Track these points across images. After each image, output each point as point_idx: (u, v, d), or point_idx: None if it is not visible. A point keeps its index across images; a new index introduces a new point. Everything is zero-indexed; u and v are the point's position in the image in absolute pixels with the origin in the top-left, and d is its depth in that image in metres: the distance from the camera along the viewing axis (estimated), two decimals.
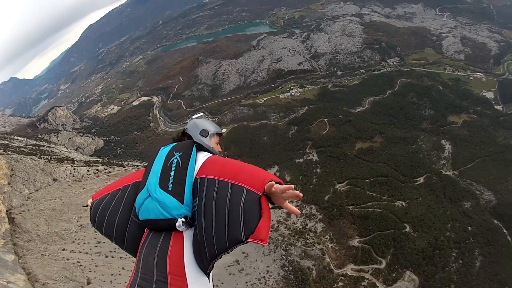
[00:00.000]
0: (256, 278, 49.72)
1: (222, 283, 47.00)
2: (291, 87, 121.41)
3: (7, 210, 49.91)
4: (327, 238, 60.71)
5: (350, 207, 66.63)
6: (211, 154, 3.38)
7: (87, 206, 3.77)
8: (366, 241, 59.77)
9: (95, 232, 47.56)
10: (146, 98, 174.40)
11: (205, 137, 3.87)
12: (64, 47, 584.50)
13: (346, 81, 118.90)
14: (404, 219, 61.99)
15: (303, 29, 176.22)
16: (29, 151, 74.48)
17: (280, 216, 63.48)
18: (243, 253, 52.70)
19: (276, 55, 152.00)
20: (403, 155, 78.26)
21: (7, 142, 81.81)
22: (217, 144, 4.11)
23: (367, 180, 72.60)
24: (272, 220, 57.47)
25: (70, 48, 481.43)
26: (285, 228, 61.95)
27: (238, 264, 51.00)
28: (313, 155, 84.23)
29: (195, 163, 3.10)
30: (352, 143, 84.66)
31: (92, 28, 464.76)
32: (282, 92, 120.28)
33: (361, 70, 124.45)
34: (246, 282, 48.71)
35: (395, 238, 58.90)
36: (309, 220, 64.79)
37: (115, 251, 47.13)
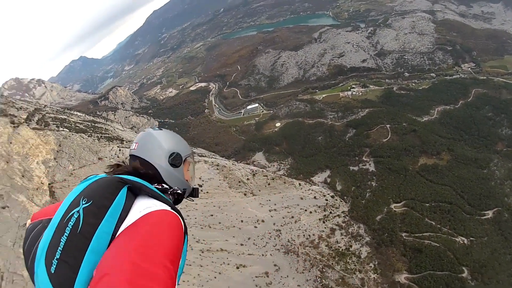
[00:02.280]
0: None
1: None
2: (353, 86, 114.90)
3: (49, 184, 52.61)
4: (370, 266, 52.77)
5: (403, 234, 58.11)
6: (161, 206, 1.90)
7: (25, 226, 2.45)
8: (415, 280, 51.11)
9: None
10: (203, 84, 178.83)
11: (178, 167, 2.45)
12: (130, 30, 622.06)
13: (413, 84, 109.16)
14: (464, 261, 52.55)
15: (368, 23, 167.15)
16: (84, 127, 78.04)
17: (323, 231, 57.02)
18: (274, 265, 49.19)
19: (339, 49, 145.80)
20: (472, 180, 67.60)
21: (65, 117, 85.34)
22: (189, 170, 2.66)
23: (427, 204, 63.26)
24: (314, 235, 55.48)
25: (135, 32, 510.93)
26: (326, 246, 54.79)
27: (267, 276, 47.42)
28: (370, 164, 76.69)
29: (119, 223, 1.79)
30: (415, 157, 75.47)
31: (156, 14, 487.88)
32: (342, 90, 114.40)
33: (431, 74, 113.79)
34: None
35: (449, 283, 49.91)
36: (355, 241, 57.09)
37: None
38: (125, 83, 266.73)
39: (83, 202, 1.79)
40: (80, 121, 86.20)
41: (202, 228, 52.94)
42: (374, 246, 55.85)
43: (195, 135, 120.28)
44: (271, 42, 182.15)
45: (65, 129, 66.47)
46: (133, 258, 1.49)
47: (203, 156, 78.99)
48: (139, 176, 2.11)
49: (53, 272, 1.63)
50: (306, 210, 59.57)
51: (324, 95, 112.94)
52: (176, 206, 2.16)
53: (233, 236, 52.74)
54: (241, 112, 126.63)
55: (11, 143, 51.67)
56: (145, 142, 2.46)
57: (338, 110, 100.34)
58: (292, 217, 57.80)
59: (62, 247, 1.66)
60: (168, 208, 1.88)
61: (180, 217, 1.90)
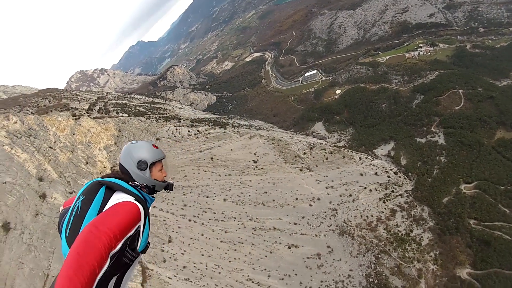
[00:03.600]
0: (333, 280, 43.07)
1: (296, 274, 43.22)
2: (420, 45, 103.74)
3: (111, 167, 56.05)
4: (431, 256, 46.85)
5: (472, 222, 50.02)
6: (126, 198, 2.73)
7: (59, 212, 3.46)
8: (478, 277, 43.57)
9: (184, 195, 52.00)
10: (258, 54, 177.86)
11: (144, 169, 3.15)
12: (181, 9, 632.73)
13: (490, 41, 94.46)
14: None
15: None
16: (143, 109, 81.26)
17: (383, 212, 51.86)
18: (328, 247, 46.89)
19: (402, 4, 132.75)
20: None
21: (126, 102, 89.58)
22: (161, 171, 3.33)
23: (502, 188, 53.31)
24: (372, 216, 50.70)
25: (187, 10, 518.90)
26: (384, 229, 49.89)
27: (319, 258, 45.54)
28: (439, 136, 67.42)
29: (101, 209, 2.67)
30: (491, 130, 64.32)
31: None
32: (408, 50, 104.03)
33: (510, 29, 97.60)
34: (321, 281, 42.85)
35: None
36: (416, 225, 50.95)
37: (198, 217, 49.30)
38: (182, 61, 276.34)
39: (81, 197, 2.75)
40: (140, 104, 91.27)
41: (255, 205, 52.18)
42: (437, 233, 49.51)
43: (253, 107, 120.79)
44: (326, 3, 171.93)
45: (124, 114, 70.59)
46: (94, 221, 2.26)
47: (260, 129, 78.03)
48: (120, 178, 3.01)
49: (67, 235, 2.56)
50: (365, 188, 54.48)
51: (387, 57, 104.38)
52: (153, 195, 3.24)
53: (287, 215, 50.79)
54: (299, 80, 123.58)
55: (73, 134, 56.47)
56: (124, 153, 3.22)
57: (404, 73, 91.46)
58: (350, 195, 53.38)
59: (71, 222, 2.62)
60: (131, 199, 2.73)
61: (140, 206, 2.66)
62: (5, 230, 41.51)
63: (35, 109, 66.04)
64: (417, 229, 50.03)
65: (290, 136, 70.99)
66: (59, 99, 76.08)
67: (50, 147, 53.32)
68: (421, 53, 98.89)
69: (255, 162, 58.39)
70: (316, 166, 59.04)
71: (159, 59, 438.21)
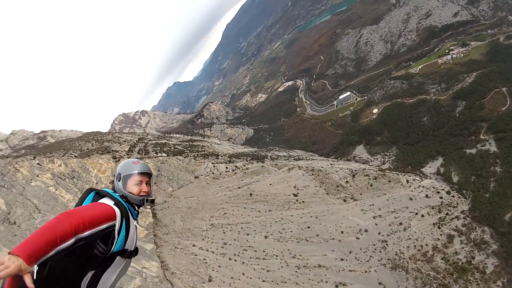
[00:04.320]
0: None
1: None
2: (450, 47, 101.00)
3: (151, 206, 57.57)
4: (498, 286, 41.60)
5: None
6: (105, 201, 3.12)
7: None
8: None
9: (224, 233, 51.87)
10: (290, 83, 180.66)
11: (119, 180, 3.49)
12: (211, 48, 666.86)
13: None
14: None
15: None
16: (182, 148, 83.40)
17: (438, 240, 47.82)
18: (379, 283, 44.08)
19: (423, 9, 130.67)
20: None
21: (165, 141, 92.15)
22: (137, 184, 3.49)
23: None
24: (426, 245, 46.65)
25: (216, 48, 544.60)
26: (442, 259, 45.55)
27: None
28: (490, 143, 62.31)
29: None
30: None
31: (230, 26, 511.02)
32: (439, 55, 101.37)
33: None
34: None
35: None
36: (478, 250, 45.67)
37: (238, 255, 48.58)
38: (217, 98, 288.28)
39: (81, 200, 3.17)
40: (179, 142, 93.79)
41: (298, 242, 50.10)
42: (503, 257, 44.09)
43: (291, 137, 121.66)
44: (348, 22, 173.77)
45: (163, 154, 73.33)
46: (70, 210, 2.61)
47: (299, 160, 77.24)
48: (113, 188, 3.55)
49: None
50: (417, 214, 50.83)
51: (420, 67, 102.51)
52: (136, 209, 3.49)
53: (332, 250, 48.15)
54: (334, 104, 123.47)
55: (114, 175, 60.12)
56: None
57: (440, 80, 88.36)
58: (400, 223, 49.95)
59: None
60: (109, 202, 3.09)
61: (116, 209, 3.02)
62: None
63: (78, 152, 70.63)
64: (480, 254, 45.72)
65: (330, 165, 69.88)
66: (101, 142, 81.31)
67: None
68: (454, 56, 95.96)
69: (295, 195, 57.24)
70: (361, 194, 56.39)
71: (195, 98, 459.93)
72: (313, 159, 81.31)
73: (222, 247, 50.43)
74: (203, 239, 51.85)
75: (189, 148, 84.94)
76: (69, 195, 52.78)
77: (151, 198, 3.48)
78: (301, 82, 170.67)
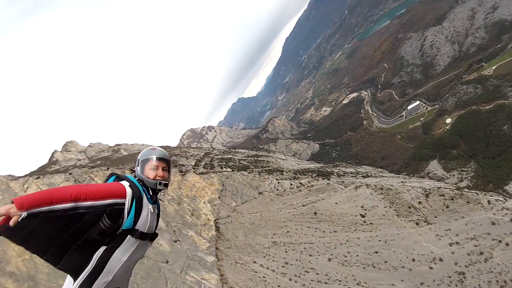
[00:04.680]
0: None
1: None
2: None
3: (215, 220, 58.68)
4: None
5: None
6: (122, 183, 3.21)
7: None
8: None
9: (286, 252, 50.96)
10: (354, 94, 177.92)
11: (138, 166, 3.58)
12: (273, 63, 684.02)
13: None
14: None
15: None
16: (247, 163, 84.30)
17: None
18: None
19: (488, 2, 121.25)
20: None
21: (231, 156, 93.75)
22: (152, 169, 3.53)
23: None
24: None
25: (278, 63, 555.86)
26: None
27: None
28: None
29: None
30: None
31: (289, 40, 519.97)
32: None
33: None
34: None
35: None
36: None
37: (299, 276, 46.87)
38: (281, 112, 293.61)
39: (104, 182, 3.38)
40: (244, 158, 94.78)
41: (364, 268, 46.77)
42: None
43: (358, 152, 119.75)
44: (410, 25, 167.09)
45: (228, 169, 74.64)
46: (84, 184, 3.37)
47: (367, 177, 74.17)
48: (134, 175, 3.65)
49: None
50: (500, 242, 44.11)
51: (494, 67, 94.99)
52: (152, 195, 3.46)
53: (402, 280, 43.87)
54: (403, 115, 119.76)
55: (180, 188, 61.64)
56: None
57: None
58: (481, 252, 43.82)
59: None
60: (125, 184, 3.19)
61: (128, 188, 3.13)
62: None
63: None
64: None
65: (401, 182, 66.44)
66: (169, 155, 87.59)
67: (159, 199, 62.57)
68: None
69: (362, 216, 54.20)
70: (435, 217, 51.28)
71: (260, 113, 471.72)
72: (382, 176, 78.44)
73: (283, 267, 49.27)
74: (264, 256, 51.18)
75: (254, 164, 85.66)
76: None
77: (164, 182, 3.49)
78: (366, 93, 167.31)
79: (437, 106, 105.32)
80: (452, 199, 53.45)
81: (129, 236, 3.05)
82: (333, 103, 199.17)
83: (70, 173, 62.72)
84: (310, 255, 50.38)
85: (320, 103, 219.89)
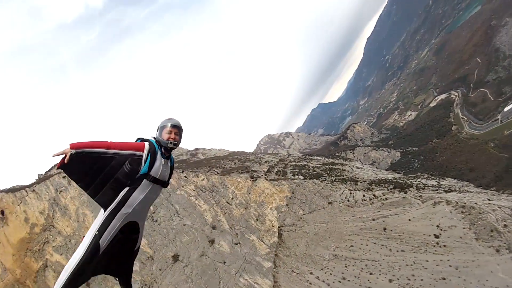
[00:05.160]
0: None
1: None
2: None
3: (279, 227, 57.86)
4: None
5: None
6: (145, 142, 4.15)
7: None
8: None
9: (345, 267, 47.85)
10: (443, 96, 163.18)
11: (157, 131, 4.37)
12: (354, 66, 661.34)
13: None
14: None
15: None
16: (320, 171, 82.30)
17: None
18: None
19: None
20: None
21: (305, 163, 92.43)
22: (167, 133, 4.29)
23: None
24: None
25: (359, 65, 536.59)
26: None
27: None
28: None
29: None
30: None
31: (370, 40, 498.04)
32: None
33: None
34: None
35: None
36: None
37: None
38: (363, 118, 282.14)
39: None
40: (319, 165, 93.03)
41: None
42: None
43: (443, 162, 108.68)
44: (505, 8, 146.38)
45: (300, 177, 74.57)
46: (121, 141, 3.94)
47: (450, 191, 66.77)
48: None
49: None
50: None
51: None
52: (166, 154, 4.24)
53: None
54: (498, 119, 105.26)
55: (249, 193, 62.68)
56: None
57: None
58: None
59: None
60: (146, 143, 4.07)
61: (146, 144, 4.04)
62: (174, 260, 52.35)
63: (221, 169, 76.56)
64: None
65: (487, 200, 57.89)
66: (243, 161, 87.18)
67: (227, 203, 60.88)
68: None
69: (436, 237, 48.79)
70: None
71: (340, 118, 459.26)
72: (467, 191, 69.03)
73: (340, 282, 46.94)
74: (322, 269, 49.53)
75: (328, 172, 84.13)
76: (206, 205, 59.00)
77: (174, 142, 4.26)
78: (456, 93, 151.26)
79: None
80: None
81: (145, 180, 3.89)
82: (419, 106, 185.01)
83: None
84: (371, 273, 47.19)
85: (405, 107, 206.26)
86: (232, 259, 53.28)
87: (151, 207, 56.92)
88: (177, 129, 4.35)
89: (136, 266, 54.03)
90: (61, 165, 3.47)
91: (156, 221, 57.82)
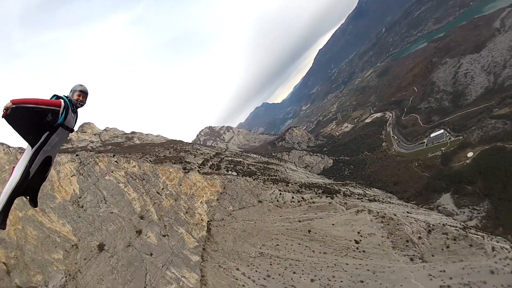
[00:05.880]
0: None
1: None
2: None
3: (208, 221, 58.41)
4: None
5: None
6: (61, 99, 5.40)
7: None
8: None
9: (270, 265, 49.12)
10: (379, 114, 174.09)
11: (70, 92, 5.71)
12: (302, 73, 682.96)
13: None
14: None
15: None
16: (254, 169, 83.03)
17: None
18: None
19: None
20: None
21: (241, 160, 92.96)
22: (77, 95, 5.68)
23: None
24: None
25: (307, 73, 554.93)
26: None
27: None
28: None
29: None
30: None
31: (322, 52, 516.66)
32: None
33: None
34: None
35: None
36: None
37: None
38: (303, 122, 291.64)
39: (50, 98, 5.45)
40: (254, 163, 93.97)
41: None
42: None
43: (371, 173, 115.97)
44: (446, 50, 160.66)
45: (233, 173, 74.23)
46: (42, 98, 5.04)
47: (374, 201, 70.38)
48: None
49: None
50: None
51: None
52: (74, 110, 5.64)
53: None
54: (424, 142, 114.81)
55: (180, 185, 62.10)
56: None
57: None
58: None
59: None
60: (62, 100, 5.31)
61: (62, 101, 5.27)
62: (100, 249, 50.78)
63: (154, 157, 74.11)
64: None
65: (406, 213, 62.65)
66: (178, 151, 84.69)
67: (157, 192, 60.05)
68: None
69: (357, 242, 51.20)
70: (433, 256, 47.09)
71: (281, 120, 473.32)
72: (389, 203, 74.37)
73: (265, 279, 48.42)
74: (248, 265, 50.82)
75: (262, 171, 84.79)
76: (135, 194, 57.27)
77: (81, 103, 5.71)
78: (390, 114, 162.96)
79: (461, 137, 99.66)
80: (455, 240, 49.01)
81: (60, 127, 5.27)
82: (356, 120, 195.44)
83: (77, 155, 64.39)
84: (294, 272, 48.63)
85: (343, 118, 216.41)
86: (159, 251, 53.02)
87: (77, 191, 52.19)
88: (84, 94, 5.80)
89: (59, 255, 52.32)
90: (4, 116, 4.44)
91: (82, 207, 55.68)
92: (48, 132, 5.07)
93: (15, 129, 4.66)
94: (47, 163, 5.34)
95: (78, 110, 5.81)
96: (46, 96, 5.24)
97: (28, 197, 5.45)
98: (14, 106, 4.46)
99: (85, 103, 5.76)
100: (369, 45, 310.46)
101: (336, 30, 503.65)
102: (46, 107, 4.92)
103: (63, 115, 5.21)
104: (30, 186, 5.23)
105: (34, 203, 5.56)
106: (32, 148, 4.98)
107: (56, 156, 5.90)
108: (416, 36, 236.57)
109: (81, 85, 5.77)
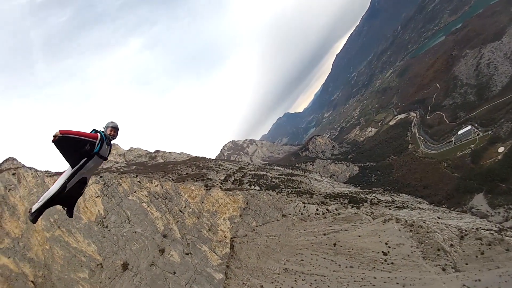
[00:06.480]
0: None
1: None
2: None
3: (231, 238, 57.55)
4: None
5: None
6: (98, 133, 6.35)
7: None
8: None
9: (295, 282, 47.58)
10: (402, 116, 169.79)
11: (104, 127, 6.67)
12: (322, 79, 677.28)
13: None
14: None
15: None
16: (278, 182, 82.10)
17: None
18: None
19: None
20: None
21: (264, 173, 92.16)
22: (109, 130, 6.65)
23: None
24: None
25: (327, 79, 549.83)
26: None
27: None
28: None
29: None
30: None
31: (339, 57, 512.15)
32: None
33: None
34: None
35: None
36: None
37: None
38: (326, 130, 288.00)
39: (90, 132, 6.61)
40: (278, 176, 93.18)
41: None
42: None
43: (399, 178, 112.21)
44: (465, 41, 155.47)
45: (256, 187, 73.84)
46: (83, 131, 6.17)
47: (402, 208, 67.55)
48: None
49: None
50: None
51: None
52: (110, 141, 6.70)
53: None
54: (451, 141, 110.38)
55: (203, 202, 61.83)
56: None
57: None
58: None
59: None
60: (98, 134, 6.35)
61: (99, 135, 6.33)
62: (124, 268, 51.27)
63: (176, 176, 74.65)
64: None
65: (437, 218, 59.84)
66: (200, 168, 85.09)
67: (180, 211, 59.95)
68: None
69: (384, 254, 48.78)
70: (466, 264, 44.09)
71: (304, 129, 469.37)
72: (419, 208, 71.27)
73: None
74: (272, 282, 49.34)
75: (285, 183, 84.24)
76: (158, 213, 57.63)
77: (112, 137, 6.70)
78: (414, 114, 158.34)
79: (490, 132, 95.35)
80: (490, 245, 45.86)
81: (95, 155, 6.19)
82: (379, 123, 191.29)
83: (101, 177, 67.15)
84: None
85: (366, 123, 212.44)
86: (182, 269, 52.38)
87: (102, 212, 54.41)
88: (115, 129, 6.84)
89: (85, 274, 53.32)
90: (53, 141, 5.32)
91: (107, 227, 56.31)
92: (86, 159, 6.02)
93: (60, 152, 5.56)
94: (83, 183, 6.34)
95: (112, 142, 6.86)
96: (86, 129, 6.25)
97: (66, 208, 6.58)
98: (61, 135, 5.36)
99: (116, 136, 6.81)
100: (386, 44, 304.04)
101: (352, 33, 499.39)
102: (86, 138, 5.92)
103: (99, 146, 6.21)
104: (67, 198, 6.29)
105: (70, 213, 6.65)
106: (72, 169, 5.95)
107: (90, 178, 7.60)
108: (433, 30, 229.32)
109: (112, 122, 6.81)
